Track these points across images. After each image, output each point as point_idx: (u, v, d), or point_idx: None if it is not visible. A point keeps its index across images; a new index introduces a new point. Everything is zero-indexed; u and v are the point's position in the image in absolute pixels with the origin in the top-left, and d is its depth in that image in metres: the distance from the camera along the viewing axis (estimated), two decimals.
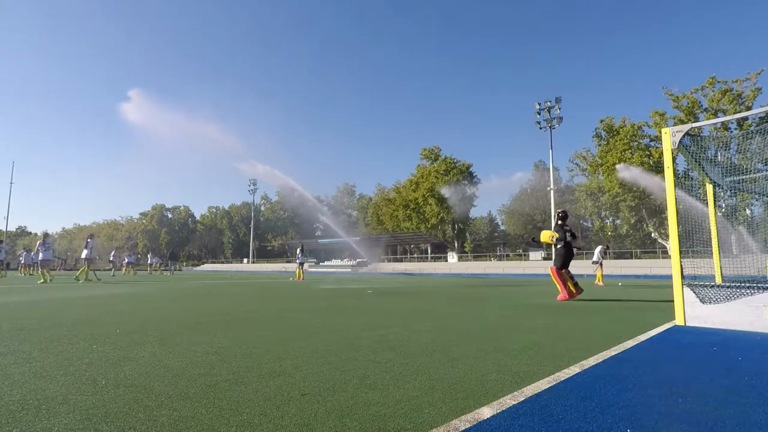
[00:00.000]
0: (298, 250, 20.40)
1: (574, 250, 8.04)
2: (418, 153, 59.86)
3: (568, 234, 7.80)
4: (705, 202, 6.17)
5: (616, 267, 27.83)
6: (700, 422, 1.66)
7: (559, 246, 7.79)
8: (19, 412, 1.67)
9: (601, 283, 13.46)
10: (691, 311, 4.42)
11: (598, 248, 14.27)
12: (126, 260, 29.58)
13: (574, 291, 7.54)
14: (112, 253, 30.12)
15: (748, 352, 3.12)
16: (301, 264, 19.87)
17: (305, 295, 8.75)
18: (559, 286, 7.57)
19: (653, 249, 41.15)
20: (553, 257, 7.96)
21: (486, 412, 1.73)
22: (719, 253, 6.06)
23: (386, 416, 1.68)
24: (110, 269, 28.63)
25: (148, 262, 34.12)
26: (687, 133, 4.75)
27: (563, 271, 7.59)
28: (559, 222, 7.97)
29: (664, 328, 4.19)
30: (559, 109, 41.50)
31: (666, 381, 2.30)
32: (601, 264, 13.73)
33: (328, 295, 9.03)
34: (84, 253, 15.59)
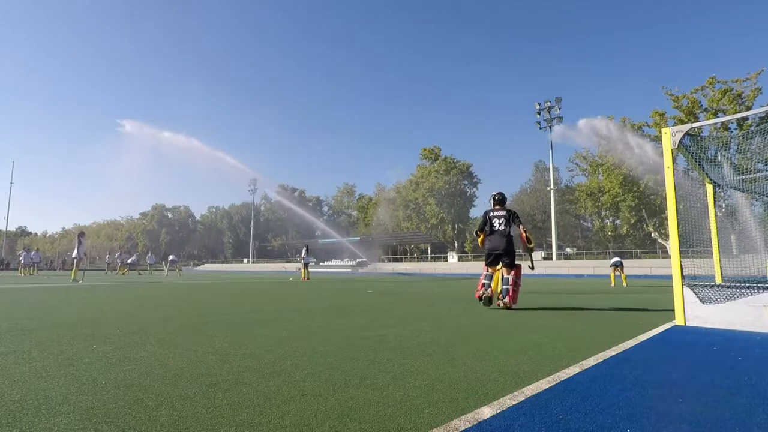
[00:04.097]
0: (303, 251, 20.37)
1: (517, 243, 6.31)
2: (418, 153, 59.98)
3: (497, 221, 6.17)
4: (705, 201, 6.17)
5: None
6: (700, 422, 1.66)
7: (486, 238, 6.27)
8: (19, 412, 1.67)
9: (613, 284, 13.69)
10: (691, 311, 4.42)
11: (617, 258, 14.40)
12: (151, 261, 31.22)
13: (498, 298, 5.92)
14: (149, 255, 32.89)
15: (748, 352, 3.12)
16: (306, 264, 19.86)
17: (305, 295, 8.75)
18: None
19: (653, 249, 41.18)
20: None
21: (486, 412, 1.73)
22: (719, 253, 6.06)
23: (386, 416, 1.68)
24: (163, 270, 30.04)
25: (148, 262, 34.09)
26: (687, 133, 4.76)
27: (490, 270, 6.09)
28: (495, 206, 6.39)
29: (664, 328, 4.19)
30: (559, 109, 41.61)
31: (666, 381, 2.30)
32: (615, 269, 13.89)
33: (328, 295, 9.03)
34: (75, 252, 15.51)
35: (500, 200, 6.41)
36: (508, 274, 5.89)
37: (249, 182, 68.76)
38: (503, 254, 6.02)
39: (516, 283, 5.89)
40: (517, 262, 6.10)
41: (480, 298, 5.99)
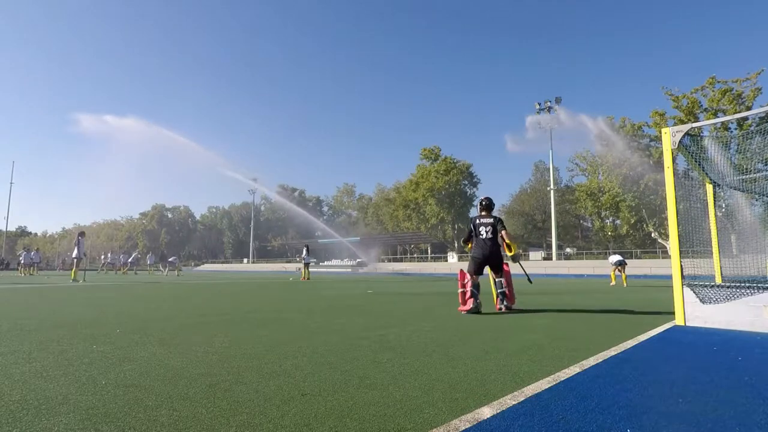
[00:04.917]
0: (303, 251, 20.37)
1: (502, 251, 6.04)
2: (418, 153, 59.97)
3: (484, 229, 5.97)
4: (705, 201, 6.17)
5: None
6: (700, 422, 1.66)
7: (473, 246, 6.05)
8: (19, 412, 1.67)
9: (613, 283, 13.75)
10: (691, 311, 4.42)
11: (620, 257, 14.30)
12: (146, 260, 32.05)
13: (495, 303, 5.89)
14: (148, 255, 33.79)
15: (748, 352, 3.12)
16: (307, 264, 19.85)
17: (305, 295, 8.76)
18: (459, 293, 5.89)
19: (653, 249, 41.18)
20: None
21: (486, 412, 1.73)
22: (719, 253, 6.06)
23: (386, 416, 1.68)
24: (162, 270, 30.38)
25: (149, 262, 34.11)
26: (687, 133, 4.76)
27: (475, 277, 5.73)
28: (482, 213, 6.17)
29: (664, 328, 4.19)
30: (560, 109, 41.55)
31: (666, 381, 2.30)
32: (616, 268, 13.92)
33: (328, 295, 9.04)
34: (74, 252, 15.49)
35: (487, 206, 6.18)
36: (500, 278, 5.87)
37: (249, 180, 68.73)
38: (492, 262, 5.90)
39: (509, 284, 5.93)
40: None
41: (471, 311, 5.47)
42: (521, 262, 6.39)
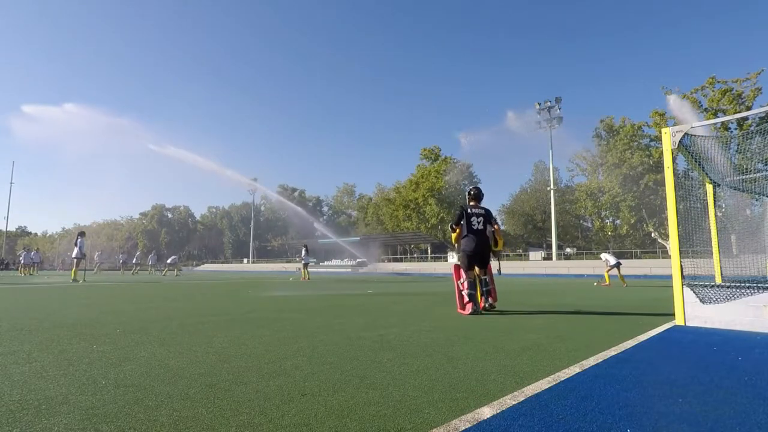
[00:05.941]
0: (303, 250, 20.31)
1: (492, 244, 5.82)
2: (418, 153, 59.98)
3: (476, 219, 5.70)
4: (705, 201, 6.17)
5: None
6: (700, 422, 1.66)
7: (463, 238, 5.73)
8: (19, 412, 1.67)
9: (607, 283, 13.71)
10: (691, 311, 4.42)
11: (616, 259, 14.23)
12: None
13: (480, 301, 5.57)
14: (150, 255, 33.69)
15: (748, 352, 3.12)
16: (306, 264, 19.81)
17: (305, 295, 8.76)
18: (455, 294, 5.64)
19: (653, 249, 41.14)
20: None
21: (486, 412, 1.73)
22: (719, 253, 6.06)
23: (386, 416, 1.68)
24: (162, 270, 30.52)
25: (150, 262, 34.09)
26: (687, 133, 4.75)
27: (470, 273, 5.55)
28: (471, 203, 5.91)
29: (664, 328, 4.19)
30: (559, 109, 41.56)
31: (666, 381, 2.30)
32: (612, 269, 13.91)
33: (328, 295, 9.03)
34: (74, 252, 15.48)
35: (476, 196, 5.94)
36: (485, 275, 5.75)
37: (249, 180, 68.65)
38: (482, 256, 5.72)
39: (493, 281, 5.91)
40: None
41: (473, 312, 5.27)
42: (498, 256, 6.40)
